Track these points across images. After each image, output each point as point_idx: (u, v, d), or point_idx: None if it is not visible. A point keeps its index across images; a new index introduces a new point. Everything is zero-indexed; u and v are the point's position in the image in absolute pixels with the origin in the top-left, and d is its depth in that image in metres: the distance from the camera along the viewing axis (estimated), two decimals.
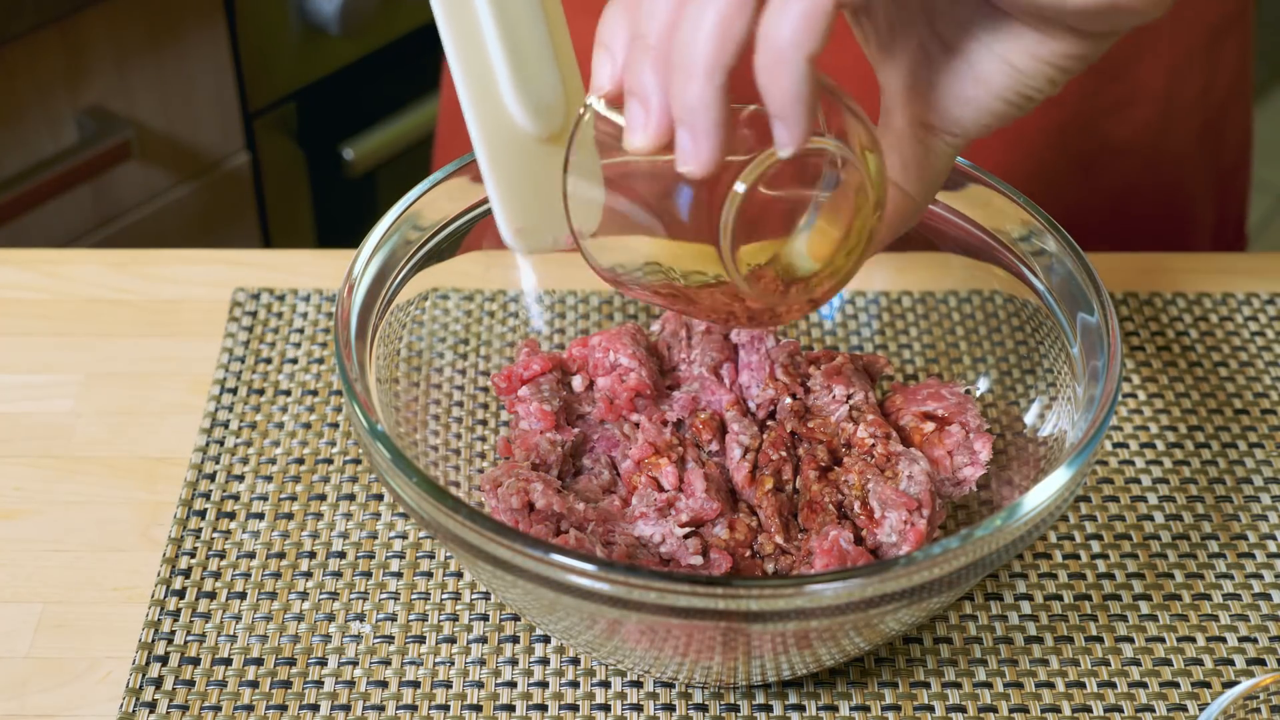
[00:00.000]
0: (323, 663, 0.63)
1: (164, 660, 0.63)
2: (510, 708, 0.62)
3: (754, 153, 0.50)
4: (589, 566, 0.51)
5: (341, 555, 0.67)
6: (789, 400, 0.66)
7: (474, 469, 0.68)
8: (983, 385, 0.72)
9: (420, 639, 0.64)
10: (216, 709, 0.61)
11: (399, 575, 0.66)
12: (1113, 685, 0.63)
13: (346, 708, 0.61)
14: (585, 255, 0.55)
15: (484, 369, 0.72)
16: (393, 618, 0.65)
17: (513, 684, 0.62)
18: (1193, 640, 0.64)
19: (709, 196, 0.50)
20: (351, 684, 0.62)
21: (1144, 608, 0.66)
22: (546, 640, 0.64)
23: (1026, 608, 0.65)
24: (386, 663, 0.63)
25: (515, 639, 0.64)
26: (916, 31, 0.53)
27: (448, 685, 0.62)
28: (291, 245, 1.55)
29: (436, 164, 1.09)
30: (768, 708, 0.61)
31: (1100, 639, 0.64)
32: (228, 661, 0.63)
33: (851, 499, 0.62)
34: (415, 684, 0.62)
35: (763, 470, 0.64)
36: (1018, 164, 0.89)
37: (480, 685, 0.62)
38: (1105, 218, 0.94)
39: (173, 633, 0.64)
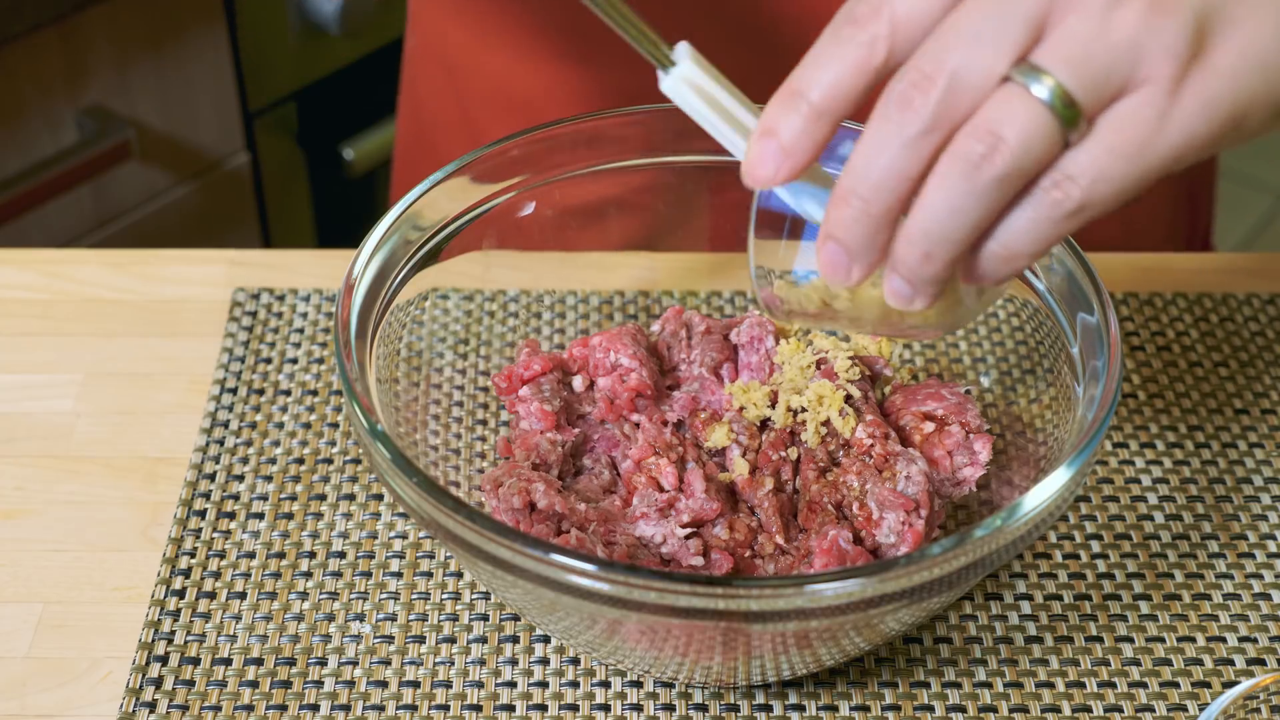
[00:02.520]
0: (323, 663, 0.63)
1: (164, 660, 0.63)
2: (510, 708, 0.62)
3: None
4: (589, 566, 0.51)
5: (341, 555, 0.67)
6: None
7: (474, 469, 0.68)
8: (983, 385, 0.72)
9: (420, 639, 0.64)
10: (216, 709, 0.61)
11: (399, 575, 0.66)
12: (1113, 685, 0.63)
13: (346, 708, 0.61)
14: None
15: (484, 369, 0.72)
16: (393, 618, 0.65)
17: (513, 684, 0.62)
18: (1193, 640, 0.64)
19: None
20: (351, 684, 0.62)
21: (1144, 608, 0.66)
22: (546, 640, 0.64)
23: (1026, 608, 0.65)
24: (386, 663, 0.63)
25: (515, 639, 0.64)
26: None
27: (448, 685, 0.62)
28: (291, 245, 1.55)
29: (395, 196, 1.09)
30: (768, 708, 0.61)
31: (1100, 639, 0.64)
32: (228, 661, 0.63)
33: (850, 500, 0.61)
34: (415, 684, 0.62)
35: (763, 470, 0.64)
36: None
37: (480, 685, 0.62)
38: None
39: (173, 633, 0.64)
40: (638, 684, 0.62)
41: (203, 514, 0.69)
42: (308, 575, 0.66)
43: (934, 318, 0.55)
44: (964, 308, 0.54)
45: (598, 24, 0.57)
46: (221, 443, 0.72)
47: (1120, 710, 0.62)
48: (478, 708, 0.61)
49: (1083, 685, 0.63)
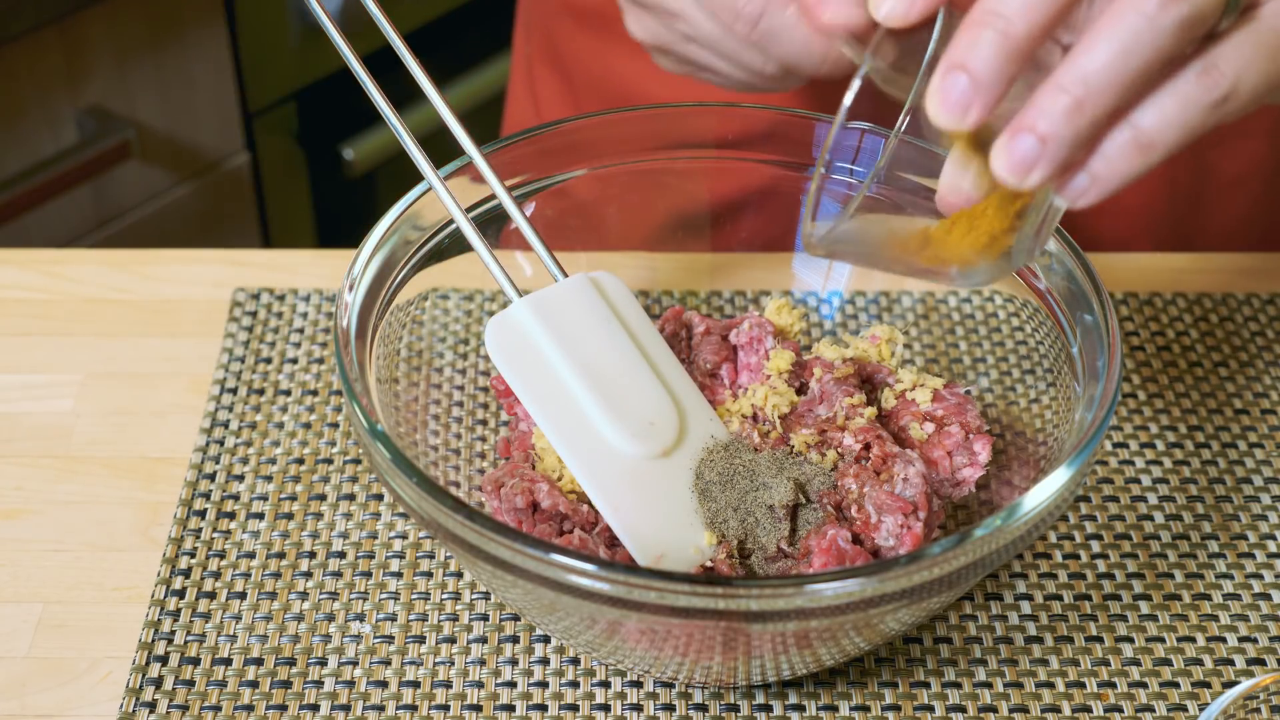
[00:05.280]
0: (323, 663, 0.63)
1: (164, 660, 0.63)
2: (510, 708, 0.62)
3: None
4: (589, 566, 0.51)
5: (341, 555, 0.67)
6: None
7: (474, 469, 0.68)
8: (983, 385, 0.72)
9: (420, 639, 0.64)
10: (216, 709, 0.61)
11: (399, 575, 0.66)
12: (1113, 685, 0.63)
13: (346, 708, 0.61)
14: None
15: (484, 369, 0.72)
16: (393, 618, 0.65)
17: (513, 684, 0.62)
18: (1193, 640, 0.64)
19: None
20: (351, 684, 0.62)
21: (1144, 608, 0.66)
22: (546, 640, 0.64)
23: (1026, 608, 0.65)
24: (386, 663, 0.63)
25: (515, 639, 0.64)
26: None
27: (448, 685, 0.62)
28: (291, 245, 1.55)
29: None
30: (768, 708, 0.61)
31: (1100, 639, 0.64)
32: (228, 661, 0.63)
33: (849, 502, 0.61)
34: (415, 684, 0.62)
35: None
36: (1123, 202, 0.87)
37: (480, 685, 0.62)
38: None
39: (173, 633, 0.64)
40: (638, 684, 0.62)
41: (203, 514, 0.69)
42: (308, 575, 0.66)
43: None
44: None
45: None
46: (221, 443, 0.72)
47: (1120, 710, 0.62)
48: (478, 708, 0.62)
49: (1083, 685, 0.63)
